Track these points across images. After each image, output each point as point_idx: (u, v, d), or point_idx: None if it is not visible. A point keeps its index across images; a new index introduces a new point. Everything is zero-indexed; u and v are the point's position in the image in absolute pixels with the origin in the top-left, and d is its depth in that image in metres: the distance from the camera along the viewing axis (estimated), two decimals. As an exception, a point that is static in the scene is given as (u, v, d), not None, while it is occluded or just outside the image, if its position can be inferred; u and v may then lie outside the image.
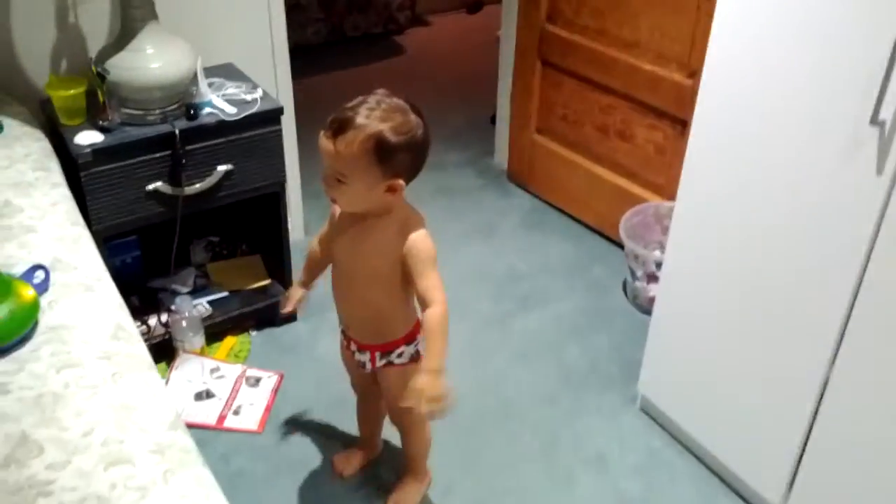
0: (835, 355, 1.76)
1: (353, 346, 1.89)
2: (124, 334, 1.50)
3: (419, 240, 1.65)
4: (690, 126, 1.99)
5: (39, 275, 1.55)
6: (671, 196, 2.80)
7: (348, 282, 1.78)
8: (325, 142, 1.56)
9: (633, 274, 2.77)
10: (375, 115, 1.54)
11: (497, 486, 2.16)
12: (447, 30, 5.29)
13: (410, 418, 1.98)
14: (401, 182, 1.61)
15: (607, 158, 3.07)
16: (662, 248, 2.77)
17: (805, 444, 1.89)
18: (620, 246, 3.02)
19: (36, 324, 1.45)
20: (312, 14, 4.68)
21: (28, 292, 1.45)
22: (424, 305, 1.64)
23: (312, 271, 1.94)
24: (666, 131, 2.79)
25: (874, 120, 1.53)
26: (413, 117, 1.59)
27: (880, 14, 1.48)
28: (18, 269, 1.56)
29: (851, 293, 1.68)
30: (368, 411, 2.14)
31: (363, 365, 1.88)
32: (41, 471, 1.20)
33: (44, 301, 1.51)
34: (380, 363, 1.85)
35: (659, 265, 2.61)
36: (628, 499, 2.13)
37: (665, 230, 2.80)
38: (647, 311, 2.73)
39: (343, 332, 1.91)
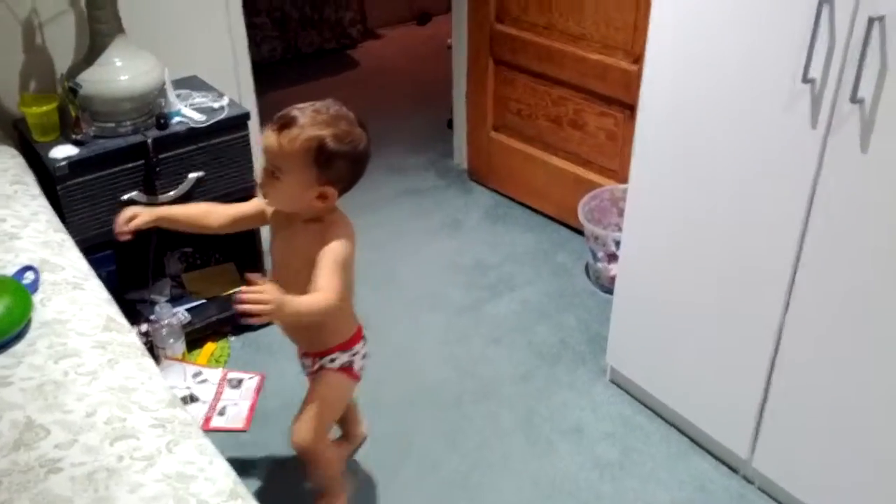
0: (787, 307, 1.88)
1: (299, 351, 1.94)
2: (116, 325, 1.57)
3: (332, 244, 1.64)
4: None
5: (29, 275, 1.61)
6: (624, 179, 2.91)
7: (281, 286, 1.71)
8: (269, 135, 1.60)
9: (594, 256, 2.88)
10: (322, 118, 1.60)
11: (481, 459, 2.25)
12: (398, 42, 5.41)
13: (313, 438, 1.87)
14: (332, 191, 1.64)
15: (562, 149, 3.19)
16: (619, 229, 2.89)
17: (766, 396, 2.00)
18: (580, 232, 3.14)
19: (30, 320, 1.52)
20: (267, 32, 4.76)
21: (21, 290, 1.52)
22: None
23: (179, 218, 1.83)
24: (616, 117, 2.92)
25: (805, 78, 1.66)
26: (358, 130, 1.64)
27: (801, -18, 1.62)
28: (8, 271, 1.62)
29: (797, 243, 1.80)
30: None
31: (305, 368, 1.94)
32: (50, 450, 1.27)
33: (35, 299, 1.57)
34: (315, 367, 1.88)
35: (618, 245, 2.73)
36: (605, 463, 2.23)
37: (621, 212, 2.92)
38: (610, 290, 2.84)
39: None
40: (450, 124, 3.89)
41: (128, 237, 1.76)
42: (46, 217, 1.90)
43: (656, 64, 2.01)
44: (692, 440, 2.29)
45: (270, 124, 1.61)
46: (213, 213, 1.85)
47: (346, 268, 1.66)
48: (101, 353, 1.47)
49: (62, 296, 1.61)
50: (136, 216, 1.75)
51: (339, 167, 1.62)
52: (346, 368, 1.87)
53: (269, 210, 1.78)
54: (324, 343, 1.85)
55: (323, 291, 1.60)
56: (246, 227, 1.90)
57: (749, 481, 2.15)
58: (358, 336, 1.89)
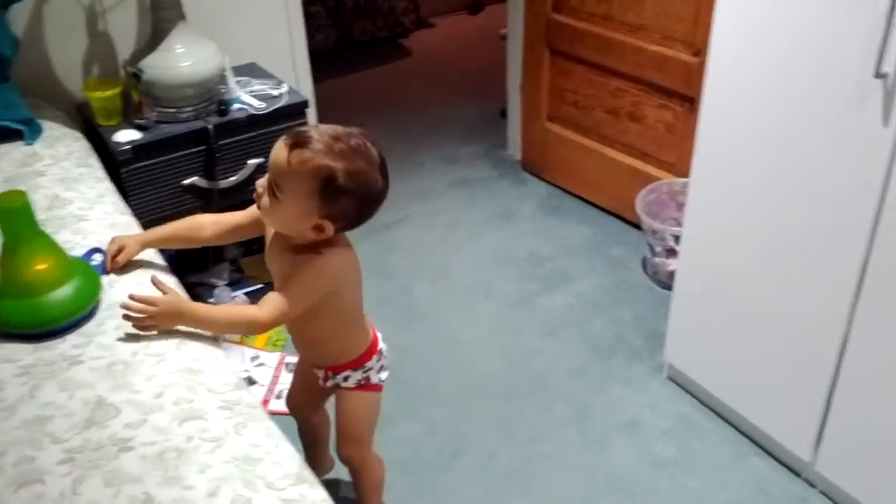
0: (854, 308, 1.83)
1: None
2: (182, 308, 1.58)
3: (315, 265, 1.52)
4: (699, 103, 2.07)
5: (97, 257, 1.63)
6: (683, 173, 2.87)
7: None
8: (280, 148, 1.46)
9: (651, 250, 2.84)
10: (339, 148, 1.45)
11: (535, 452, 2.23)
12: (451, 31, 5.39)
13: (361, 451, 1.87)
14: (330, 226, 1.49)
15: (619, 141, 3.15)
16: (678, 223, 2.85)
17: (830, 397, 1.95)
18: (636, 226, 3.10)
19: (98, 301, 1.53)
20: (321, 21, 4.78)
21: (89, 271, 1.54)
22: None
23: (169, 237, 1.73)
24: (675, 110, 2.87)
25: (878, 73, 1.61)
26: (376, 174, 1.49)
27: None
28: (77, 253, 1.65)
29: (866, 243, 1.75)
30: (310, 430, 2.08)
31: (318, 378, 1.81)
32: (120, 429, 1.28)
33: (104, 281, 1.59)
34: (329, 383, 1.78)
35: (676, 239, 2.69)
36: (662, 460, 2.20)
37: (679, 206, 2.88)
38: (667, 285, 2.80)
39: None
40: (503, 114, 3.87)
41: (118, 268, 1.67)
42: (112, 200, 1.93)
43: (721, 56, 1.96)
44: (752, 440, 2.24)
45: (284, 138, 1.47)
46: (204, 226, 1.72)
47: (311, 296, 1.53)
48: (168, 335, 1.49)
49: (130, 277, 1.62)
50: (123, 248, 1.66)
51: (344, 205, 1.47)
52: (363, 385, 1.78)
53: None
54: (329, 360, 1.75)
55: (262, 307, 1.49)
56: (245, 236, 1.75)
57: (811, 484, 2.10)
58: (370, 353, 1.76)
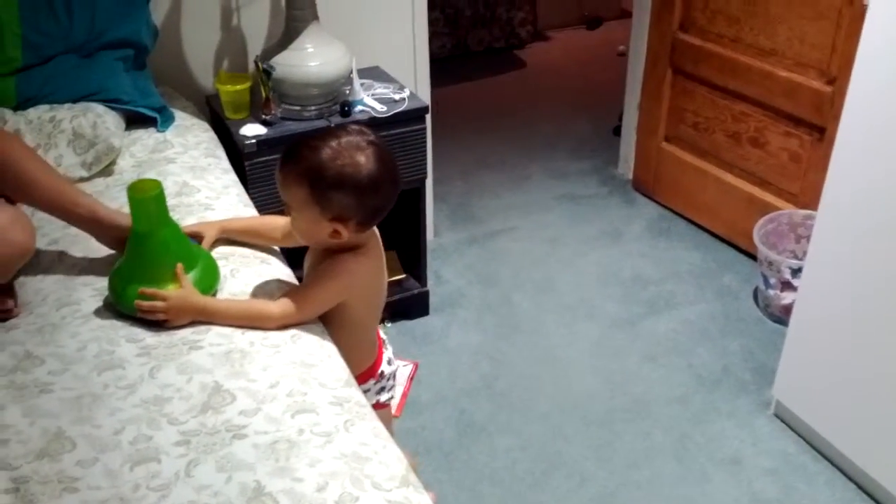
0: None
1: None
2: (298, 302, 1.61)
3: (330, 269, 1.55)
4: (829, 133, 1.99)
5: (221, 245, 1.67)
6: (805, 204, 2.78)
7: None
8: (278, 167, 1.52)
9: (766, 282, 2.74)
10: (324, 152, 1.45)
11: (630, 478, 2.18)
12: (567, 45, 5.35)
13: None
14: (342, 227, 1.49)
15: (738, 166, 3.06)
16: (795, 256, 2.75)
17: (955, 451, 1.85)
18: (749, 255, 3.01)
19: (216, 290, 1.57)
20: (439, 29, 4.81)
21: (210, 260, 1.58)
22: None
23: (248, 231, 1.75)
24: (802, 138, 2.76)
25: None
26: (359, 157, 1.46)
27: None
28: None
29: None
30: None
31: None
32: (235, 416, 1.31)
33: (226, 269, 1.63)
34: None
35: (794, 272, 2.59)
36: (763, 500, 2.12)
37: (799, 238, 2.78)
38: (779, 319, 2.70)
39: None
40: (616, 132, 3.82)
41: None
42: (237, 191, 1.97)
43: (862, 88, 1.88)
44: (860, 487, 2.14)
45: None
46: (277, 227, 1.72)
47: (323, 301, 1.56)
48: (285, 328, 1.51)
49: (250, 269, 1.66)
50: (200, 235, 1.68)
51: (340, 201, 1.46)
52: (376, 402, 1.80)
53: None
54: (352, 367, 1.69)
55: (277, 303, 1.51)
56: (299, 243, 1.68)
57: (925, 541, 2.00)
58: (368, 374, 1.77)
